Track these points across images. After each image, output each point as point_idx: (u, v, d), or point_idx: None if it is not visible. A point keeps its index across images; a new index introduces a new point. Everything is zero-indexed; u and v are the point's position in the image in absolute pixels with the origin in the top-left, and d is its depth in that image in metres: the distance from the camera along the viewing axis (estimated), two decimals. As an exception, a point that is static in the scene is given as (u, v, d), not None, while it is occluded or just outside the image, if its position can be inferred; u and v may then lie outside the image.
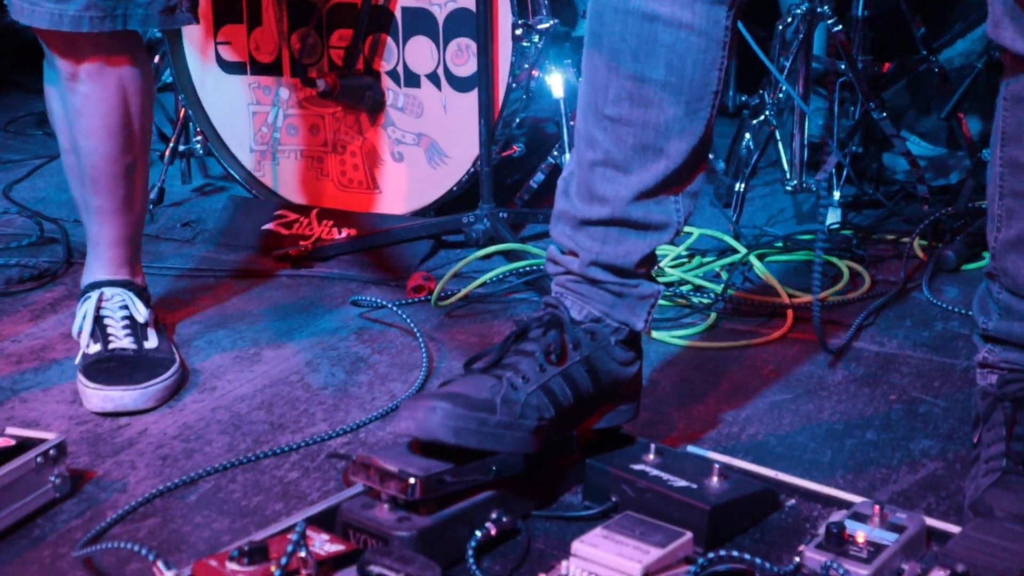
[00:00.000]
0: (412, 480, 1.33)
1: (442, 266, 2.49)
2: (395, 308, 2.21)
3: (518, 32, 2.50)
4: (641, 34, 1.43)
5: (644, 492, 1.41)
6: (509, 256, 2.39)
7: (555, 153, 2.69)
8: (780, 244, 2.54)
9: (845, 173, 2.71)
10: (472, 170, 2.55)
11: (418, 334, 2.09)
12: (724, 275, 2.36)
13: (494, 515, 1.39)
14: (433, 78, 2.61)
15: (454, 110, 2.60)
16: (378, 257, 2.53)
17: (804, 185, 2.70)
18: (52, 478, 1.55)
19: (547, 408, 1.44)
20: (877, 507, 1.33)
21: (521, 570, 1.38)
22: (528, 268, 2.31)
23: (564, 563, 1.28)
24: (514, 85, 2.54)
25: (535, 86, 2.61)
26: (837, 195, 2.69)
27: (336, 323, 2.21)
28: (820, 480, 1.59)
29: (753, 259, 2.40)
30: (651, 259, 1.56)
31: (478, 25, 2.39)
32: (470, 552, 1.35)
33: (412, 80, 2.63)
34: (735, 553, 1.27)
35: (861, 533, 1.30)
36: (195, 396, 1.91)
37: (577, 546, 1.27)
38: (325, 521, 1.40)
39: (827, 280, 2.38)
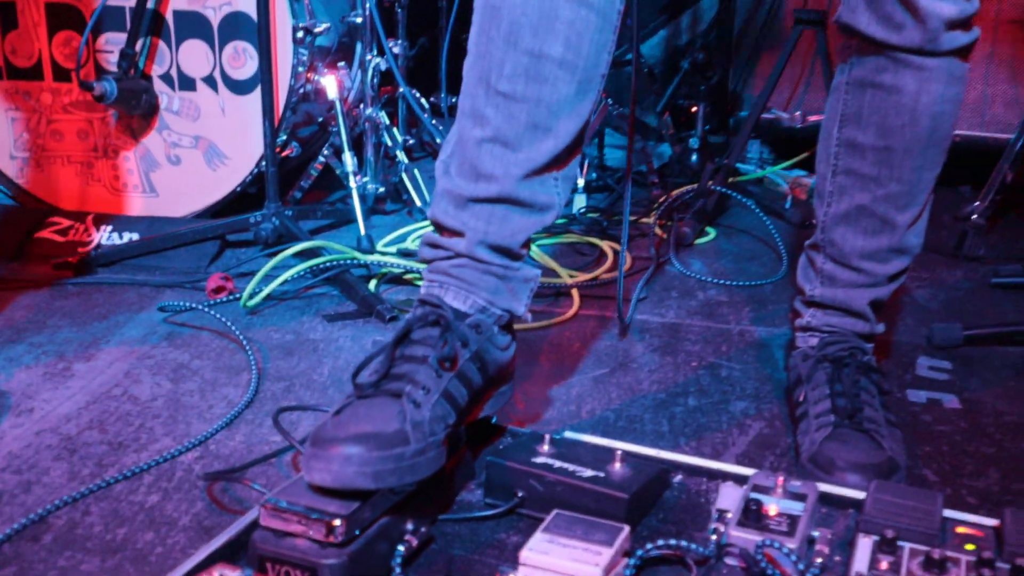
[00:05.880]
0: (337, 522, 1.05)
1: (235, 266, 2.15)
2: (207, 309, 1.87)
3: (299, 35, 2.19)
4: (542, 8, 1.19)
5: (554, 485, 1.19)
6: (304, 253, 2.09)
7: (326, 153, 2.41)
8: (540, 228, 2.38)
9: (587, 161, 2.58)
10: (256, 170, 2.23)
11: (241, 337, 1.77)
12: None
13: (410, 526, 1.14)
14: (209, 81, 2.25)
15: (233, 113, 2.25)
16: (164, 260, 2.16)
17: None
18: None
19: (449, 414, 1.19)
20: (781, 478, 1.18)
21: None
22: (326, 264, 2.03)
23: (513, 574, 1.05)
24: (296, 87, 2.23)
25: (309, 88, 2.31)
26: (581, 181, 2.56)
27: (142, 329, 1.85)
28: (669, 449, 1.44)
29: (528, 244, 2.22)
30: (529, 243, 1.34)
31: (260, 28, 2.06)
32: (398, 569, 1.09)
33: (187, 83, 2.26)
34: (672, 541, 1.09)
35: (773, 506, 1.15)
36: (12, 420, 1.52)
37: (526, 555, 1.04)
38: (230, 555, 1.10)
39: (592, 260, 2.26)
